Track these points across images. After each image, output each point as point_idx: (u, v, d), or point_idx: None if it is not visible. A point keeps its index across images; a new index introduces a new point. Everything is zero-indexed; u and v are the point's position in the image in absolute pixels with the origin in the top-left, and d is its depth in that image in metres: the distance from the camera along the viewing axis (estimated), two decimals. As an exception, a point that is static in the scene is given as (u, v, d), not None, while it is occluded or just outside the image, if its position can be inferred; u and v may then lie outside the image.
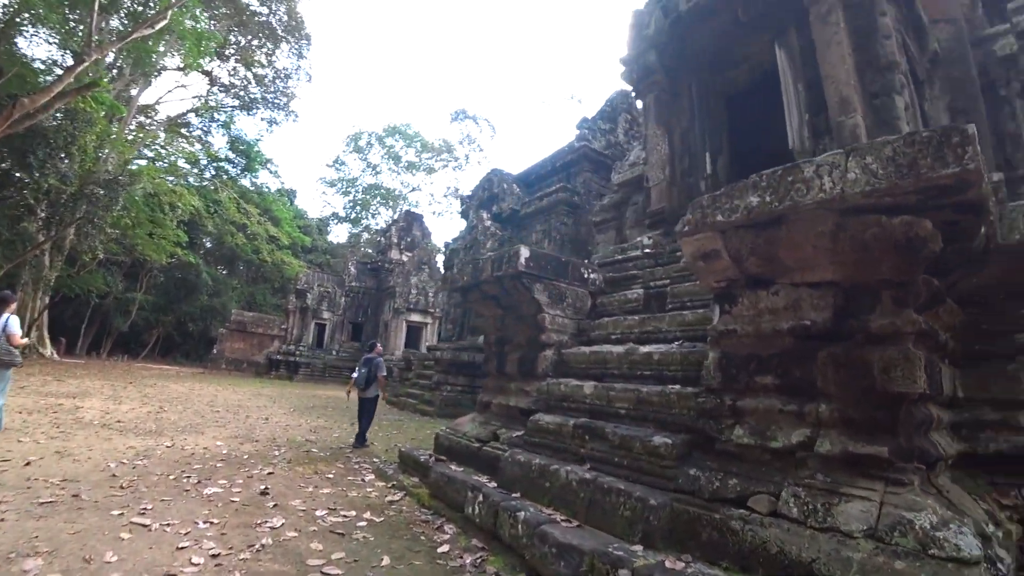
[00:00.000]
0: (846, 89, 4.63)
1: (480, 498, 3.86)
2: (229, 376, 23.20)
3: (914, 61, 4.94)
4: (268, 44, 27.79)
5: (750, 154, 6.62)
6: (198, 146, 29.67)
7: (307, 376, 23.73)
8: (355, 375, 7.68)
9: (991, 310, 3.26)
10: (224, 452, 6.30)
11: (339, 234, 47.99)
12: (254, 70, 28.35)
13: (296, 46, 28.58)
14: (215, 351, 29.97)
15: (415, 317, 23.75)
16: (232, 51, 27.08)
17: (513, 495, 3.82)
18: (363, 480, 5.48)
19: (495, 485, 4.11)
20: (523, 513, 3.38)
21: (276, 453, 6.53)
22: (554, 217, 11.33)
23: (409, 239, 27.82)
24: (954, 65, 5.07)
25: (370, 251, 36.95)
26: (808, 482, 2.60)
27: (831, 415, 2.62)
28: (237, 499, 4.35)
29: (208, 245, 36.16)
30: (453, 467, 4.89)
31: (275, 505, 4.28)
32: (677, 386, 3.53)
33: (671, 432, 3.37)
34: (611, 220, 10.31)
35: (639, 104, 8.54)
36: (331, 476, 5.51)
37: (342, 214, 46.59)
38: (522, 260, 4.75)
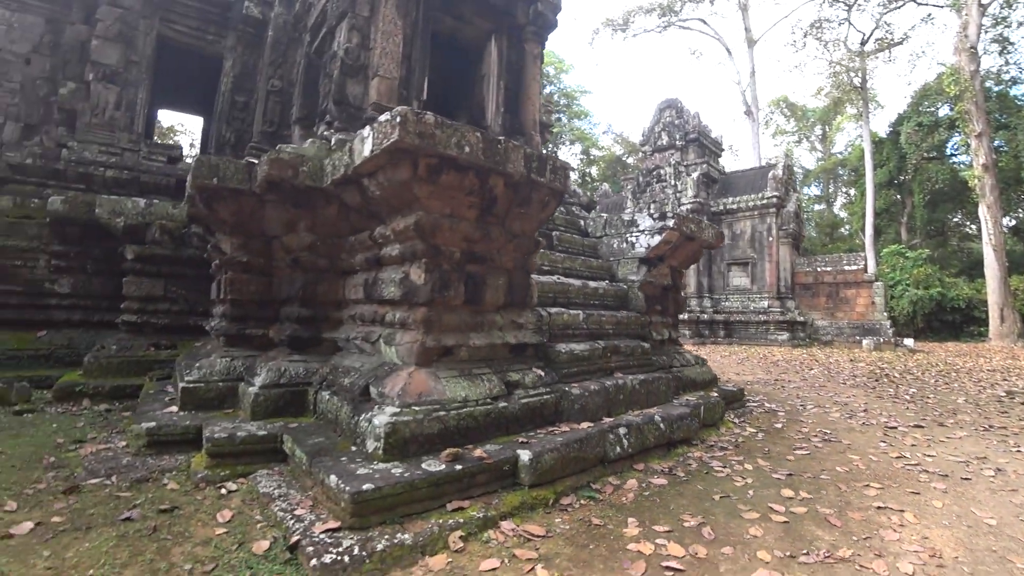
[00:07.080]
0: (535, 115, 7.21)
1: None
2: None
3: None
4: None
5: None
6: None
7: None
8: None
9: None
10: None
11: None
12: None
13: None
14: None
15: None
16: None
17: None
18: None
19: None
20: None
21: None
22: None
23: None
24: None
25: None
26: (668, 349, 5.91)
27: (671, 320, 6.04)
28: None
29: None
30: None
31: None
32: (624, 311, 5.36)
33: (635, 339, 5.27)
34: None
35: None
36: None
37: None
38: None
